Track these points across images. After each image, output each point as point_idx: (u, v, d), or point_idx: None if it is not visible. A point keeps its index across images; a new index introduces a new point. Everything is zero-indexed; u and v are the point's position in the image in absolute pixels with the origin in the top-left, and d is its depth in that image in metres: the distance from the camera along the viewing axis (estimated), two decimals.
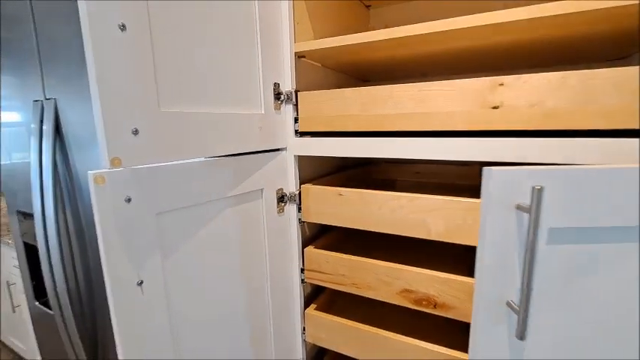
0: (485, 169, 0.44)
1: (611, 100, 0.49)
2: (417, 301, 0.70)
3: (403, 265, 0.71)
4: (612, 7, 0.50)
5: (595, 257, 0.44)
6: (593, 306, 0.45)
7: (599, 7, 0.50)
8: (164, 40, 0.50)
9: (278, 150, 0.78)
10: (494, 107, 0.56)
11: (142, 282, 0.51)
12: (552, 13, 0.52)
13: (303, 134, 0.78)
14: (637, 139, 0.48)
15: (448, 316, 0.67)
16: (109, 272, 0.47)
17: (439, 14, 1.12)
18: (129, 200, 0.49)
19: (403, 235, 0.68)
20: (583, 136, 0.51)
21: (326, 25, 0.93)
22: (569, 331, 0.46)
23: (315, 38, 0.87)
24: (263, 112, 0.71)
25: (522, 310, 0.43)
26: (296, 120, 0.76)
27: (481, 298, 0.47)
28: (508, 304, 0.46)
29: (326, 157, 0.97)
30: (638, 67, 0.47)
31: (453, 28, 0.59)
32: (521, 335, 0.44)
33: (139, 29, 0.46)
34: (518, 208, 0.43)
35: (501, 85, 0.55)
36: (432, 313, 0.68)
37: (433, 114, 0.61)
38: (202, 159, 0.60)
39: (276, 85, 0.74)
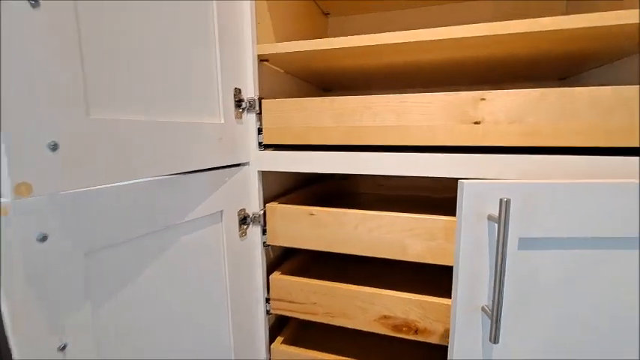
0: (459, 182, 0.47)
1: (589, 118, 0.49)
2: (397, 328, 0.65)
3: (381, 290, 0.66)
4: (565, 30, 0.51)
5: (564, 265, 0.46)
6: (565, 310, 0.47)
7: (553, 29, 0.51)
8: (97, 26, 0.39)
9: (239, 165, 0.68)
10: (476, 122, 0.54)
11: (64, 346, 0.38)
12: (507, 32, 0.53)
13: (267, 147, 0.69)
14: (605, 157, 0.49)
15: (430, 342, 0.63)
16: (16, 336, 0.34)
17: (398, 27, 1.12)
18: (44, 238, 0.36)
19: (381, 257, 0.63)
20: (565, 153, 0.51)
21: (287, 29, 0.86)
22: (542, 335, 0.48)
23: (277, 42, 0.80)
24: (223, 121, 0.61)
25: (495, 315, 0.45)
26: (260, 131, 0.68)
27: (458, 305, 0.48)
28: (482, 309, 0.48)
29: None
30: (611, 87, 0.48)
31: (420, 40, 0.58)
32: (495, 339, 0.45)
33: (59, 7, 0.35)
34: (489, 218, 0.45)
35: (483, 99, 0.54)
36: (414, 339, 0.64)
37: (413, 127, 0.58)
38: (148, 179, 0.48)
39: (237, 91, 0.64)
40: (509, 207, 0.43)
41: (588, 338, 0.48)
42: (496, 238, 0.43)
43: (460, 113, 0.55)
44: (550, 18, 0.51)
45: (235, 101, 0.64)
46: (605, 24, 0.49)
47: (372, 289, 0.66)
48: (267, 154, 0.68)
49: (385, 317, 0.65)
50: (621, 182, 0.44)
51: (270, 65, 0.77)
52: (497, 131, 0.54)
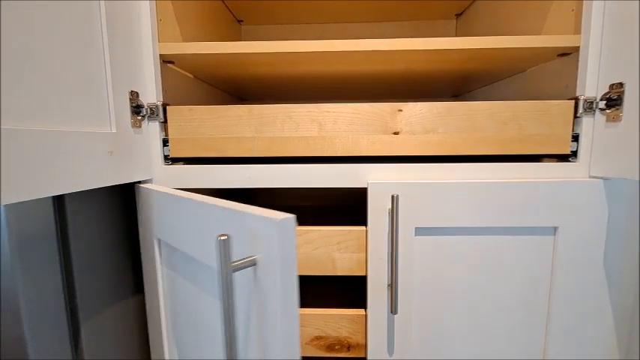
0: (368, 182, 0.55)
1: (489, 130, 0.55)
2: (330, 348, 0.61)
3: (311, 309, 0.61)
4: (456, 49, 0.57)
5: (452, 249, 0.56)
6: (455, 288, 0.57)
7: (442, 48, 0.56)
8: None
9: (139, 183, 0.57)
10: (395, 133, 0.56)
11: None
12: (406, 48, 0.57)
13: (175, 160, 0.60)
14: (490, 164, 0.56)
15: (362, 357, 0.61)
16: None
17: (313, 39, 1.13)
18: None
19: (309, 274, 0.59)
20: (473, 161, 0.55)
21: (197, 32, 0.78)
22: (434, 309, 0.58)
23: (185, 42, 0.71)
24: (114, 130, 0.50)
25: (392, 290, 0.54)
26: (165, 142, 0.58)
27: (369, 284, 0.57)
28: (388, 286, 0.56)
29: None
30: (504, 102, 0.55)
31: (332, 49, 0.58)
32: (394, 310, 0.54)
33: None
34: (389, 212, 0.54)
35: (400, 110, 0.55)
36: (347, 357, 0.61)
37: (338, 138, 0.56)
38: None
39: (134, 95, 0.54)
40: (399, 201, 0.52)
41: (482, 313, 0.58)
42: (390, 227, 0.54)
43: (381, 124, 0.55)
44: (443, 38, 0.56)
45: (132, 106, 0.54)
46: (478, 47, 0.56)
47: (303, 309, 0.61)
48: (174, 169, 0.58)
49: (318, 338, 0.61)
50: (492, 182, 0.54)
51: (177, 69, 0.68)
52: (415, 141, 0.56)
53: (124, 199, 0.61)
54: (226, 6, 0.99)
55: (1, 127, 0.34)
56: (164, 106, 0.57)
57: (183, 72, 0.71)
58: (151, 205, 0.54)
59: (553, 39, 0.56)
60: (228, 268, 0.32)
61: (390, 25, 1.10)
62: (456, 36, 1.09)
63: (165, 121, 0.57)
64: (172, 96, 0.63)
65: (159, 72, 0.57)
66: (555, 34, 0.61)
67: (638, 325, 0.55)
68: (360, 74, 0.76)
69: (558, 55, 0.60)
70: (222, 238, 0.32)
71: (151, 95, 0.56)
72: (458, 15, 1.07)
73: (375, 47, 0.57)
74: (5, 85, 0.35)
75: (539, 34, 0.67)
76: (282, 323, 0.34)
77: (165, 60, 0.61)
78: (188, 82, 0.74)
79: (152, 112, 0.56)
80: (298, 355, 0.35)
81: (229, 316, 0.33)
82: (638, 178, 0.46)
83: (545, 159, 0.58)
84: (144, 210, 0.56)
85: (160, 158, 0.58)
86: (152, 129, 0.57)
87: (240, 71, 0.74)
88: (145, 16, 0.55)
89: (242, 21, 1.11)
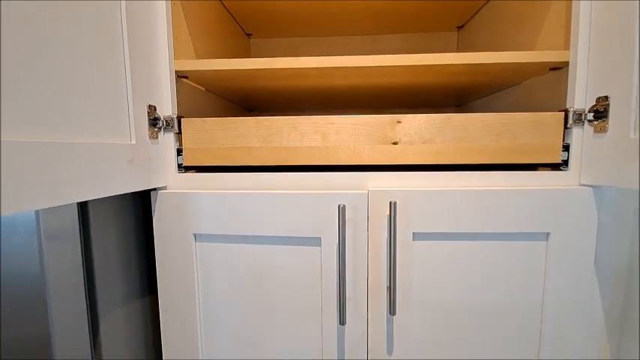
0: (369, 189, 0.58)
1: (483, 140, 0.58)
2: None
3: None
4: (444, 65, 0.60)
5: (448, 253, 0.59)
6: (452, 291, 0.59)
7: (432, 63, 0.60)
8: None
9: (155, 190, 0.61)
10: (394, 143, 0.59)
11: None
12: (407, 63, 0.60)
13: (188, 169, 0.64)
14: (478, 172, 0.59)
15: None
16: None
17: (319, 52, 1.18)
18: None
19: None
20: (470, 170, 0.58)
21: (209, 47, 0.83)
22: (432, 310, 0.60)
23: (198, 59, 0.76)
24: (134, 141, 0.55)
25: (391, 292, 0.56)
26: (179, 152, 0.62)
27: (371, 285, 0.60)
28: (387, 288, 0.58)
29: None
30: (497, 113, 0.58)
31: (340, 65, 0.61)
32: (392, 311, 0.57)
33: None
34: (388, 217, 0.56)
35: (399, 122, 0.59)
36: None
37: (341, 148, 0.60)
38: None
39: (152, 109, 0.59)
40: (397, 207, 0.55)
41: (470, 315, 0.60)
42: (388, 232, 0.56)
43: (381, 134, 0.59)
44: (442, 54, 0.59)
45: (150, 119, 0.58)
46: (474, 62, 0.59)
47: None
48: (187, 177, 0.63)
49: None
50: (487, 189, 0.57)
51: (190, 83, 0.73)
52: (413, 151, 0.59)
53: (138, 205, 0.66)
54: (236, 21, 1.05)
55: (38, 140, 0.39)
56: (179, 118, 0.61)
57: (196, 85, 0.76)
58: (186, 207, 0.60)
59: (544, 54, 0.59)
60: None
61: (394, 38, 1.14)
62: (458, 47, 1.13)
63: (179, 132, 0.62)
64: (186, 108, 0.68)
65: (174, 87, 0.62)
66: (548, 49, 0.64)
67: (638, 325, 0.57)
68: (365, 85, 0.80)
69: (550, 69, 0.63)
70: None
71: (167, 108, 0.61)
72: (459, 27, 1.11)
73: (378, 63, 0.61)
74: (40, 101, 0.40)
75: (535, 47, 0.71)
76: None
77: (180, 75, 0.66)
78: (200, 95, 0.79)
79: (168, 124, 0.61)
80: None
81: None
82: (622, 186, 0.49)
83: (541, 168, 0.61)
84: (170, 211, 0.61)
85: (174, 167, 0.62)
86: (167, 139, 0.62)
87: (248, 84, 0.78)
88: (162, 34, 0.60)
89: (251, 35, 1.17)
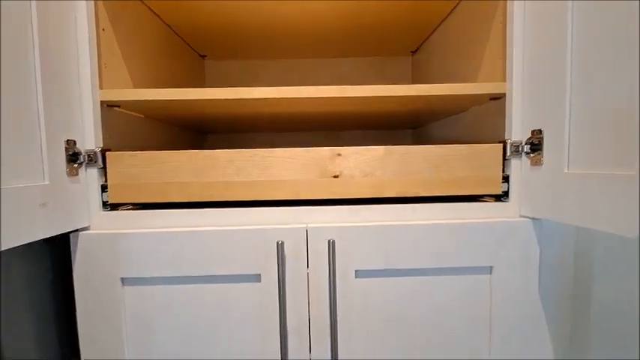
0: (308, 227, 0.55)
1: (424, 173, 0.57)
2: None
3: None
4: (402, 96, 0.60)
5: (391, 290, 0.56)
6: (397, 329, 0.57)
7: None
8: None
9: (77, 231, 0.56)
10: (335, 176, 0.57)
11: None
12: (350, 95, 0.59)
13: (115, 206, 0.59)
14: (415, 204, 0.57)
15: None
16: None
17: (274, 75, 1.16)
18: None
19: None
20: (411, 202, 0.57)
21: (152, 70, 0.79)
22: (376, 349, 0.57)
23: (136, 83, 0.72)
24: (47, 181, 0.49)
25: (332, 334, 0.54)
26: (104, 188, 0.57)
27: (313, 325, 0.56)
28: (329, 326, 0.55)
29: None
30: (444, 145, 0.57)
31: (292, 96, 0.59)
32: (335, 356, 0.54)
33: None
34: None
35: (339, 155, 0.57)
36: None
37: (278, 182, 0.57)
38: None
39: (71, 143, 0.54)
40: (335, 246, 0.53)
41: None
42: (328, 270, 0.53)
43: (321, 168, 0.57)
44: (391, 86, 0.58)
45: (68, 155, 0.53)
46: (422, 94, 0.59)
47: None
48: (113, 215, 0.57)
49: None
50: (427, 223, 0.55)
51: (125, 111, 0.68)
52: (354, 184, 0.57)
53: (57, 250, 0.59)
54: (186, 43, 1.01)
55: None
56: (103, 152, 0.56)
57: (132, 113, 0.71)
58: (111, 248, 0.55)
59: (482, 86, 0.59)
60: None
61: (349, 61, 1.14)
62: (412, 71, 1.15)
63: (104, 167, 0.57)
64: (119, 139, 0.63)
65: (99, 119, 0.57)
66: (492, 76, 0.65)
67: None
68: (317, 112, 0.78)
69: (491, 99, 0.64)
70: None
71: (90, 142, 0.56)
72: (413, 52, 1.13)
73: (325, 94, 0.59)
74: None
75: (479, 74, 0.71)
76: None
77: (110, 104, 0.61)
78: (138, 123, 0.74)
79: (90, 159, 0.56)
80: None
81: None
82: (557, 220, 0.48)
83: (487, 197, 0.60)
84: (93, 254, 0.55)
85: (98, 205, 0.57)
86: (90, 176, 0.56)
87: (192, 113, 0.74)
88: (84, 64, 0.56)
89: (205, 56, 1.13)
